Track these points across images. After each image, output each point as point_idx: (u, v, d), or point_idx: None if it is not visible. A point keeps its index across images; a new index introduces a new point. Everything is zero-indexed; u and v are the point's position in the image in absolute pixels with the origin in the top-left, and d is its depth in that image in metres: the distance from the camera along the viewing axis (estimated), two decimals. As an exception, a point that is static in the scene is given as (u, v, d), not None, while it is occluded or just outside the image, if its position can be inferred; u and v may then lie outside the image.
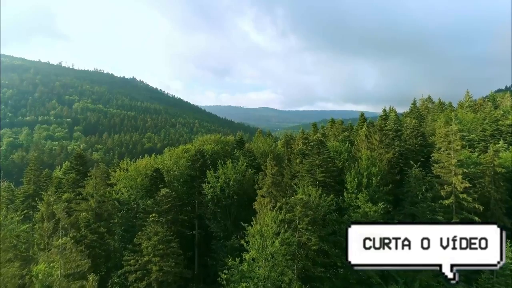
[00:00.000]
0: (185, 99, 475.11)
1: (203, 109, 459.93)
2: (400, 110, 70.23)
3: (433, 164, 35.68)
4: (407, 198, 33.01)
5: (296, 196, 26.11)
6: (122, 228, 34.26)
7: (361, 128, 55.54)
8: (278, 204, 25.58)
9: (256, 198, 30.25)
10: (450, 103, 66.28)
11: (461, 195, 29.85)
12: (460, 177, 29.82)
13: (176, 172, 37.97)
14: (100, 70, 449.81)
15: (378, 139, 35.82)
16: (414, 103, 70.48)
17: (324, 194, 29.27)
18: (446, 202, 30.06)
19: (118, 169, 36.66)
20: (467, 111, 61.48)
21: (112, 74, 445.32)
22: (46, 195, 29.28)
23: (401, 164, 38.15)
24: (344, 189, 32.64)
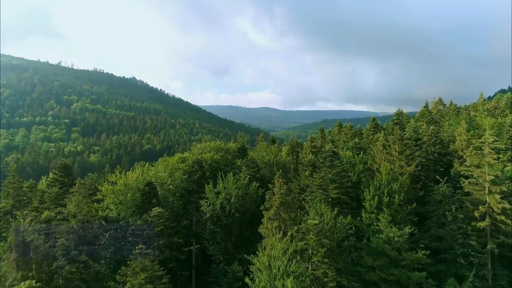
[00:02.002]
0: (185, 99, 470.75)
1: (203, 109, 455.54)
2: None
3: (461, 178, 31.74)
4: (433, 218, 29.01)
5: (309, 221, 22.16)
6: (110, 250, 30.31)
7: (373, 134, 51.56)
8: (289, 232, 21.62)
9: (262, 219, 26.28)
10: (465, 106, 62.23)
11: (498, 217, 25.85)
12: (497, 196, 25.80)
13: (171, 186, 33.99)
14: (100, 70, 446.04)
15: (398, 149, 31.82)
16: (426, 106, 66.38)
17: (341, 217, 25.31)
18: (482, 224, 26.03)
19: (105, 183, 32.70)
20: (485, 115, 57.51)
21: (112, 74, 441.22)
22: (19, 216, 25.39)
23: (422, 177, 34.18)
24: (362, 208, 28.73)
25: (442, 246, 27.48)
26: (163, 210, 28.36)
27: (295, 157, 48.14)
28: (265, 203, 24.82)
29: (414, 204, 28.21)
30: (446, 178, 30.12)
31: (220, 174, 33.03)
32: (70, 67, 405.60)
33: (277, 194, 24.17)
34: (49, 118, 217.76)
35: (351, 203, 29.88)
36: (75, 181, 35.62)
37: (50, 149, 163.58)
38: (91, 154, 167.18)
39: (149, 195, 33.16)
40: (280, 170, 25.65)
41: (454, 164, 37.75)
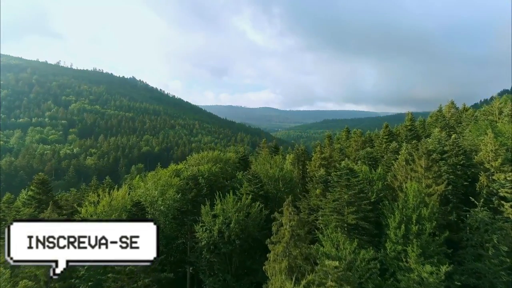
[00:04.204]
0: (185, 99, 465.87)
1: (203, 109, 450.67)
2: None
3: (495, 196, 27.50)
4: (468, 248, 24.69)
5: (327, 263, 17.85)
6: (89, 283, 26.09)
7: (386, 142, 47.20)
8: (303, 282, 17.32)
9: (267, 253, 21.96)
10: (483, 110, 57.73)
11: (550, 251, 21.56)
12: (551, 226, 21.50)
13: (162, 207, 29.69)
14: (99, 69, 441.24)
15: (424, 165, 27.49)
16: (440, 110, 62.07)
17: (363, 251, 21.00)
18: (530, 260, 21.74)
19: (86, 203, 28.42)
20: (507, 120, 53.11)
21: (111, 73, 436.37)
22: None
23: (450, 196, 29.89)
24: (385, 236, 24.45)
25: (481, 284, 23.16)
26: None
27: (301, 167, 43.85)
28: (271, 237, 20.52)
29: (447, 233, 23.89)
30: (482, 200, 25.77)
31: (218, 193, 28.72)
32: (69, 67, 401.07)
33: (286, 226, 19.87)
34: (46, 119, 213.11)
35: (371, 229, 25.58)
36: (54, 197, 31.42)
37: (45, 152, 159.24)
38: (87, 157, 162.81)
39: (137, 216, 28.90)
40: (290, 197, 21.26)
41: (480, 178, 33.53)
